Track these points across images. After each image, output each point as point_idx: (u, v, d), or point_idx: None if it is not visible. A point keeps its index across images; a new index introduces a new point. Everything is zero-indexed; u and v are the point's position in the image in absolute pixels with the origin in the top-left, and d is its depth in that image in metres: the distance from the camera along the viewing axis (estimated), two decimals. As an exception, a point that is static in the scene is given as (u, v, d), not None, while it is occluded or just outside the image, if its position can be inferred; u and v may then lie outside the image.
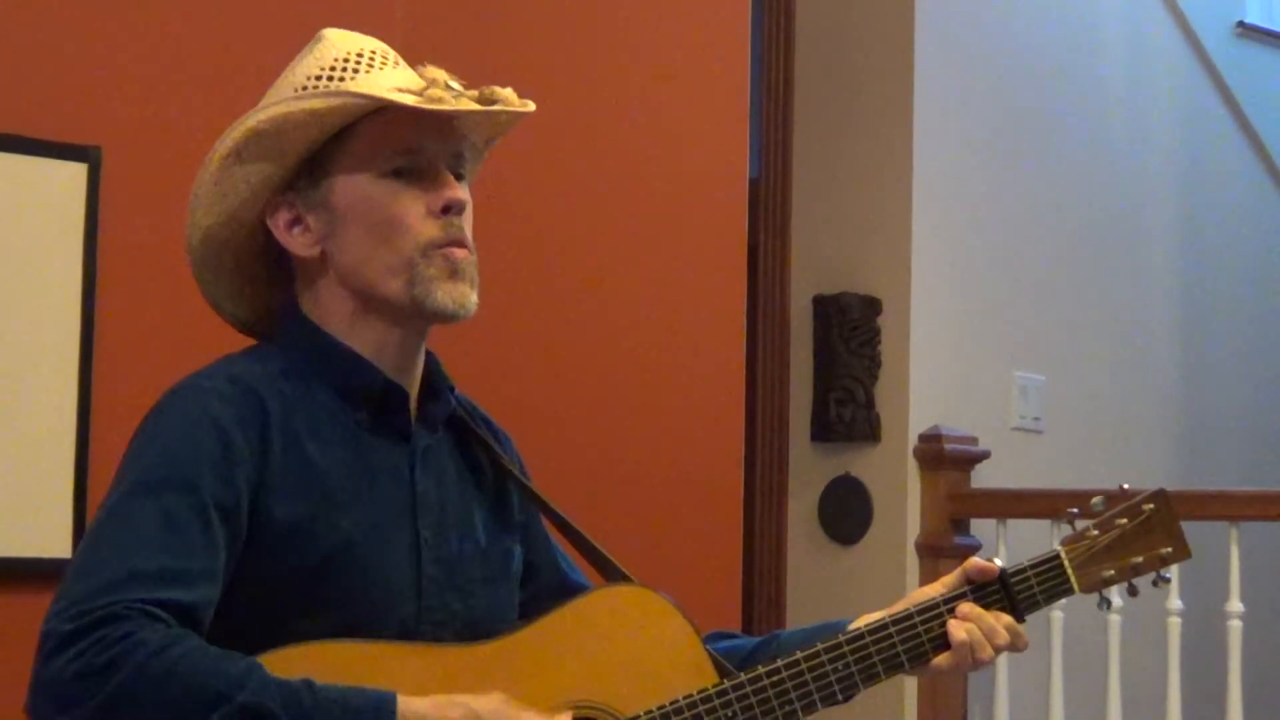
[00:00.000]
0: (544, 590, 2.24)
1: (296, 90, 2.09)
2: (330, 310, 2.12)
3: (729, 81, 4.09)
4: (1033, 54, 5.48)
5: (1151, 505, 2.35)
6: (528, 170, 3.68)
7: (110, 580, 1.89)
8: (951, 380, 5.24)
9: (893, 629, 2.19)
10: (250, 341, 2.22)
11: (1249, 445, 6.02)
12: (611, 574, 2.21)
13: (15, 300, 3.17)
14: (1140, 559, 2.34)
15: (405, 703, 1.91)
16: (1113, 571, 2.33)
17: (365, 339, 2.11)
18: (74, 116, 3.25)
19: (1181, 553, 2.35)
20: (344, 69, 2.10)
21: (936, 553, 5.06)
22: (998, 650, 2.22)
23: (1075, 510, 2.33)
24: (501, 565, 2.19)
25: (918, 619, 2.20)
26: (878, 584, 5.10)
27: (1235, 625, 4.64)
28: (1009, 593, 2.25)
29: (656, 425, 3.95)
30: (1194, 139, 5.98)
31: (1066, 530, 2.34)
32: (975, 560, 2.26)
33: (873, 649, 2.18)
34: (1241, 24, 6.15)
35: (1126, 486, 2.36)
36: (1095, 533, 2.32)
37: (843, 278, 5.24)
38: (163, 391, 2.08)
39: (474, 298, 2.10)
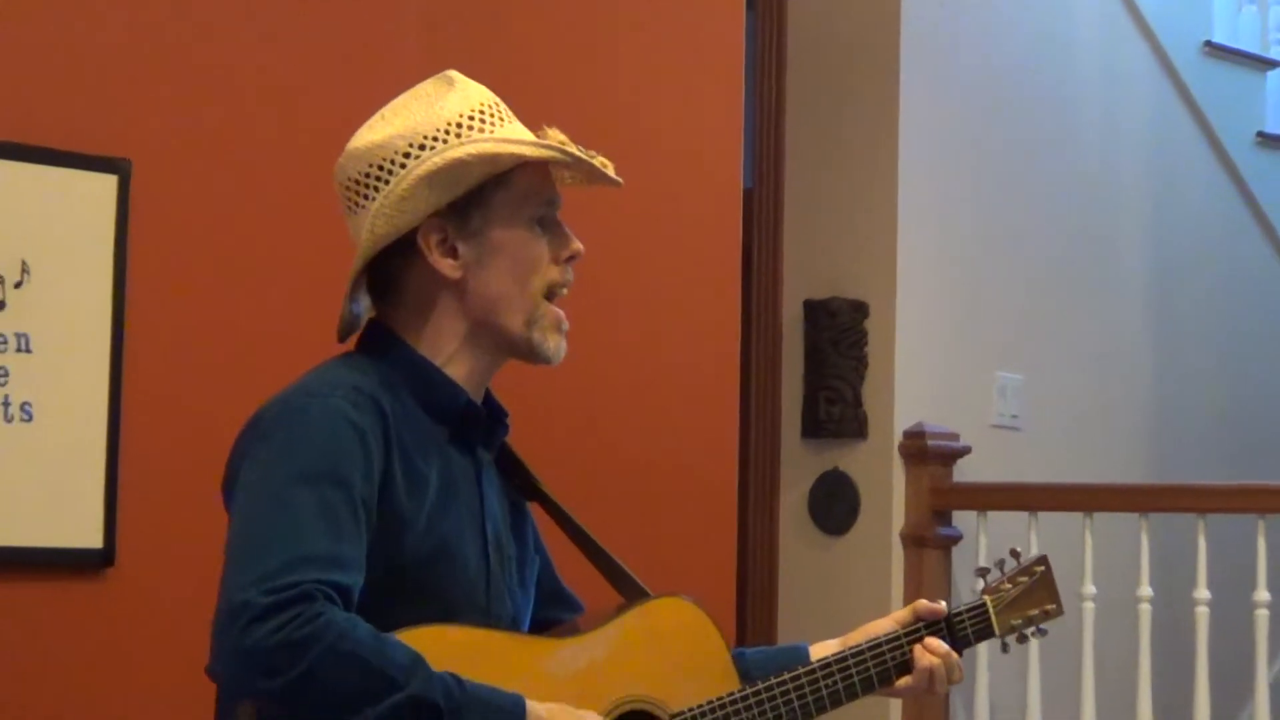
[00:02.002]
0: (543, 595, 2.35)
1: (450, 126, 2.18)
2: (439, 331, 2.20)
3: (724, 99, 4.09)
4: (1012, 73, 5.47)
5: (1041, 567, 2.58)
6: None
7: (290, 559, 1.97)
8: (934, 380, 5.24)
9: (868, 653, 2.38)
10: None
11: (1216, 442, 6.01)
12: (623, 581, 2.32)
13: (50, 305, 3.17)
14: (1036, 611, 2.56)
15: (531, 706, 2.03)
16: (1019, 620, 2.55)
17: (460, 362, 2.21)
18: (105, 130, 3.25)
19: (1059, 609, 2.59)
20: (492, 116, 2.21)
21: (920, 543, 5.05)
22: (951, 682, 2.42)
23: (986, 567, 2.58)
24: (530, 572, 2.31)
25: (889, 645, 2.40)
26: (865, 573, 5.10)
27: (1202, 611, 4.64)
28: (951, 630, 2.45)
29: (655, 422, 3.95)
30: (1163, 152, 5.98)
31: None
32: (924, 602, 2.47)
33: (854, 669, 2.37)
34: (1208, 43, 6.14)
35: (1018, 550, 2.60)
36: (1009, 586, 2.54)
37: (832, 283, 5.24)
38: (276, 395, 2.17)
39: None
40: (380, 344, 2.22)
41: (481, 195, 2.17)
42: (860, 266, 5.21)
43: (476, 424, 2.23)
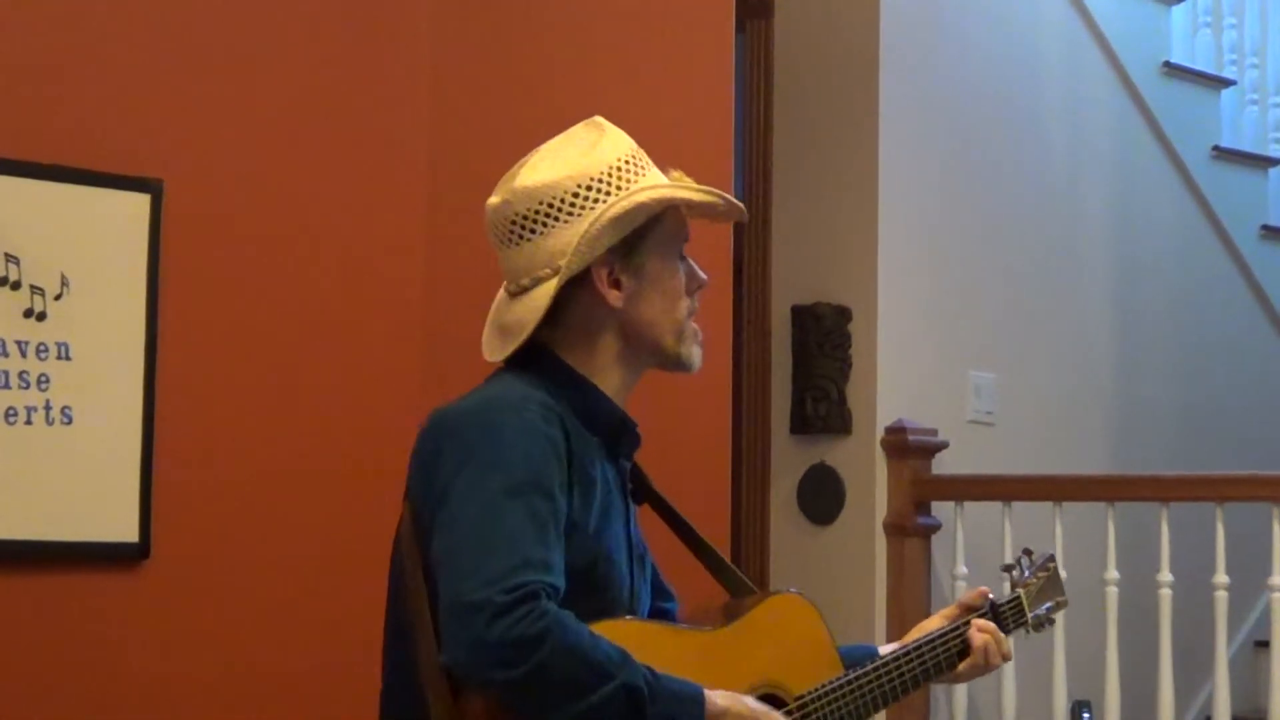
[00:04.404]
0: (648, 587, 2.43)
1: (612, 171, 2.27)
2: (597, 350, 2.28)
3: (715, 119, 4.08)
4: (984, 93, 5.47)
5: (1053, 564, 2.75)
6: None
7: (515, 563, 2.02)
8: (914, 379, 5.23)
9: (937, 641, 2.54)
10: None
11: (1175, 435, 6.01)
12: (729, 577, 2.46)
13: (88, 316, 3.16)
14: (1052, 603, 2.73)
15: (709, 695, 2.11)
16: (1041, 612, 2.71)
17: (611, 378, 2.29)
18: (137, 151, 3.25)
19: (1067, 601, 2.76)
20: (639, 161, 2.31)
21: (902, 532, 5.04)
22: (1004, 657, 2.57)
23: (1011, 563, 2.73)
24: (648, 569, 2.39)
25: (950, 634, 2.55)
26: (850, 560, 5.09)
27: (1166, 593, 4.63)
28: (997, 617, 2.61)
29: (654, 420, 3.91)
30: (1124, 165, 5.97)
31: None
32: (970, 593, 2.62)
33: (928, 656, 2.52)
34: (1166, 63, 6.13)
35: (1031, 550, 2.77)
36: (1034, 581, 2.70)
37: (817, 290, 5.23)
38: (442, 408, 2.22)
39: None
40: (542, 362, 2.27)
41: (643, 233, 2.27)
42: (843, 274, 5.20)
43: (625, 436, 2.32)
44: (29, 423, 3.09)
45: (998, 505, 4.90)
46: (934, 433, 5.12)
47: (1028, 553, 2.72)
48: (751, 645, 2.31)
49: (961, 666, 2.55)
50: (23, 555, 3.09)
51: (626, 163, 2.28)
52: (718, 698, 2.13)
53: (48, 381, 3.11)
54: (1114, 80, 5.91)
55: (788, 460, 5.27)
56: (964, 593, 2.62)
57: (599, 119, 2.35)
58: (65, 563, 3.14)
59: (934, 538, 5.08)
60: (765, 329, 5.31)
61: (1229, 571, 4.55)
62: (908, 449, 5.06)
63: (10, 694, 3.08)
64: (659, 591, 2.44)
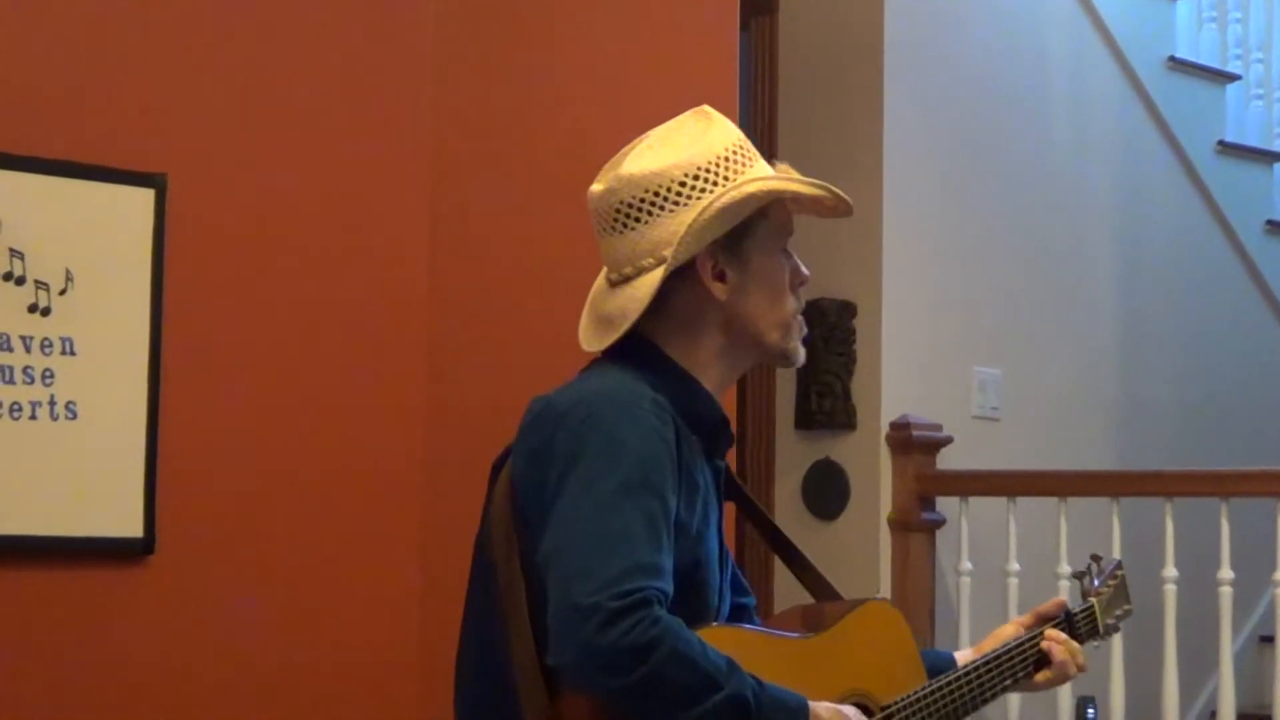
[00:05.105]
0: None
1: (720, 160, 2.21)
2: (699, 345, 2.22)
3: (720, 113, 4.08)
4: (988, 88, 5.46)
5: (1121, 572, 2.69)
6: (548, 201, 3.67)
7: (628, 567, 1.98)
8: (918, 374, 5.23)
9: (1015, 651, 2.48)
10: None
11: (1179, 430, 6.00)
12: (815, 580, 2.44)
13: (92, 311, 3.16)
14: (1120, 612, 2.68)
15: (813, 707, 2.09)
16: (1111, 621, 2.66)
17: (711, 374, 2.24)
18: (141, 146, 3.25)
19: (1132, 609, 2.70)
20: (748, 151, 2.27)
21: (906, 527, 5.04)
22: (1079, 669, 2.52)
23: (1083, 570, 2.68)
24: (728, 569, 2.33)
25: (1027, 644, 2.50)
26: (855, 556, 5.09)
27: (1170, 589, 4.63)
28: (1072, 627, 2.56)
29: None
30: (1129, 160, 5.97)
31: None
32: (1047, 604, 2.57)
33: (1005, 666, 2.47)
34: (1171, 58, 6.13)
35: (1099, 555, 2.71)
36: (1105, 590, 2.65)
37: (822, 285, 5.22)
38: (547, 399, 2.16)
39: None
40: (644, 355, 2.21)
41: (749, 226, 2.22)
42: (848, 269, 5.19)
43: (723, 435, 2.25)
44: (33, 418, 3.09)
45: (1002, 501, 4.90)
46: (939, 428, 5.12)
47: (1096, 559, 2.67)
48: (844, 654, 2.28)
49: (1039, 677, 2.51)
50: (27, 551, 3.09)
51: (735, 152, 2.23)
52: (821, 710, 2.10)
53: (52, 376, 3.11)
54: (1119, 75, 5.91)
55: (792, 456, 5.27)
56: (1041, 605, 2.58)
57: (706, 108, 2.30)
58: (69, 558, 3.14)
59: (939, 533, 5.08)
60: (770, 325, 5.30)
61: (1234, 567, 4.55)
62: (912, 444, 5.06)
63: (14, 690, 3.08)
64: (737, 587, 2.38)
